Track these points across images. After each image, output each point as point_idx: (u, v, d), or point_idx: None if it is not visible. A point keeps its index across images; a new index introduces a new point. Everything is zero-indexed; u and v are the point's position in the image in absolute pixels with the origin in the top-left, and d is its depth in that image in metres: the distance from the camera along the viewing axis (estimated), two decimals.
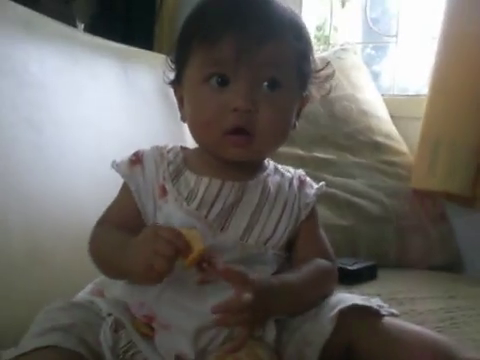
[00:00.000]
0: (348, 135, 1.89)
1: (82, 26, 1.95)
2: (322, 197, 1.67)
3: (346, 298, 0.85)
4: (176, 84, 0.92)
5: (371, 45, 2.40)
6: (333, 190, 1.76)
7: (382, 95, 2.06)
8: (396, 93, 2.19)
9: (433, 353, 0.78)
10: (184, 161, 0.90)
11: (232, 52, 0.80)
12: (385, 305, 0.86)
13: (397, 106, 2.05)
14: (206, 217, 0.84)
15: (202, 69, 0.84)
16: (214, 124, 0.83)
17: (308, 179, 0.97)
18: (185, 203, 0.84)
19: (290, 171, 0.97)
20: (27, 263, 1.06)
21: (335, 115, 1.92)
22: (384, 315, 0.83)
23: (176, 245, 0.72)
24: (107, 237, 0.85)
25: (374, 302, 0.85)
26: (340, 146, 1.87)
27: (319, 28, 2.49)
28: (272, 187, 0.90)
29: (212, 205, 0.85)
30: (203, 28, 0.84)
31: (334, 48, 2.20)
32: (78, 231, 1.04)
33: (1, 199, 1.07)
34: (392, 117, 2.00)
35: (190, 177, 0.87)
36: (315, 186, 0.96)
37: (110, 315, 0.81)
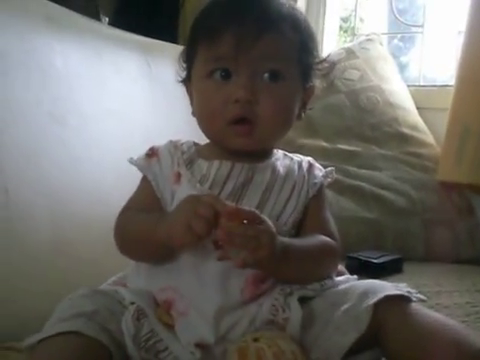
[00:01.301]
0: (374, 126, 1.88)
1: (106, 20, 1.96)
2: (347, 189, 1.71)
3: (376, 287, 0.84)
4: (187, 81, 0.95)
5: (399, 36, 2.38)
6: (358, 182, 1.75)
7: (408, 86, 2.04)
8: (423, 84, 2.16)
9: (456, 343, 0.77)
10: (197, 152, 0.93)
11: (231, 48, 0.85)
12: (413, 290, 0.86)
13: (423, 97, 2.02)
14: (219, 195, 0.86)
15: (206, 65, 0.88)
16: (218, 115, 0.87)
17: (317, 165, 0.99)
18: (198, 184, 0.87)
19: (299, 156, 0.99)
20: (52, 255, 1.08)
21: (360, 106, 1.90)
22: (413, 301, 0.83)
23: (216, 208, 0.75)
24: (135, 217, 0.89)
25: (403, 288, 0.85)
26: (365, 138, 1.86)
27: (345, 19, 2.48)
28: (282, 169, 0.93)
29: (224, 185, 0.88)
30: (205, 27, 0.89)
31: (360, 39, 2.18)
32: (103, 223, 1.06)
33: (27, 192, 1.09)
34: (418, 108, 1.97)
35: (203, 164, 0.90)
36: (324, 170, 0.98)
37: (133, 304, 0.81)
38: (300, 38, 0.90)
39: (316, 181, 0.94)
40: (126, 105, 1.42)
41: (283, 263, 0.80)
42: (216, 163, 0.89)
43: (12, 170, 1.09)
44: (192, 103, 0.95)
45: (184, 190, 0.87)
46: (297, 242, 0.87)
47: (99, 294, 0.83)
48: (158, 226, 0.81)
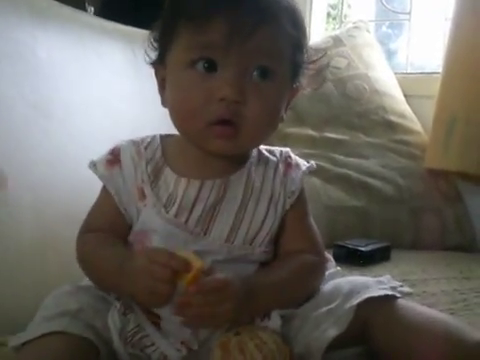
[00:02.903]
0: (361, 115, 1.88)
1: (92, 10, 1.94)
2: (335, 178, 1.71)
3: (360, 286, 0.82)
4: (158, 64, 0.85)
5: (387, 23, 2.37)
6: (345, 171, 1.75)
7: (395, 73, 2.04)
8: (410, 71, 2.16)
9: (445, 336, 0.76)
10: (164, 156, 0.85)
11: (222, 36, 0.74)
12: (398, 284, 0.85)
13: (411, 85, 2.02)
14: (186, 223, 0.80)
15: (188, 52, 0.77)
16: (198, 113, 0.77)
17: (295, 160, 0.90)
18: (163, 210, 0.80)
19: (275, 154, 0.90)
20: (37, 249, 1.07)
21: (347, 94, 1.90)
22: (398, 297, 0.82)
23: (172, 266, 0.69)
24: (98, 252, 0.82)
25: (387, 284, 0.84)
26: (353, 126, 1.86)
27: (333, 6, 2.46)
28: (257, 179, 0.85)
29: (192, 209, 0.81)
30: (193, 7, 0.77)
31: (347, 26, 2.17)
32: None
33: (12, 186, 1.08)
34: (406, 96, 1.97)
35: (170, 178, 0.83)
36: (303, 167, 0.90)
37: (118, 299, 0.80)
38: (297, 34, 0.82)
39: (293, 189, 0.87)
40: (112, 95, 1.40)
41: (253, 308, 0.76)
42: (183, 183, 0.81)
43: None
44: (162, 91, 0.85)
45: (149, 214, 0.81)
46: (268, 279, 0.80)
47: (83, 291, 0.81)
48: (121, 282, 0.75)
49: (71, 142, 1.23)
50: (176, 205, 0.81)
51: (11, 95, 1.14)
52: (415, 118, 1.93)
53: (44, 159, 1.16)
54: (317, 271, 0.87)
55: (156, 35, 0.84)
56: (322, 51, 0.89)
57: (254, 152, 0.88)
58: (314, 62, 0.88)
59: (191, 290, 0.69)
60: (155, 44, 0.85)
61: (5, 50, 1.17)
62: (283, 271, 0.82)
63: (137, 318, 0.79)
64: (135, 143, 0.86)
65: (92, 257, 0.82)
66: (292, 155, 0.91)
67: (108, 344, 0.76)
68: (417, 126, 1.91)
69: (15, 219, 1.07)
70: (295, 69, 0.84)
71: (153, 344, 0.77)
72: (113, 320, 0.77)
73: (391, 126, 1.87)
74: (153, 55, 0.85)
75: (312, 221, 0.90)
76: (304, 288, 0.85)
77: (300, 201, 0.88)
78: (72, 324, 0.73)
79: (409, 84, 2.02)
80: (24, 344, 0.73)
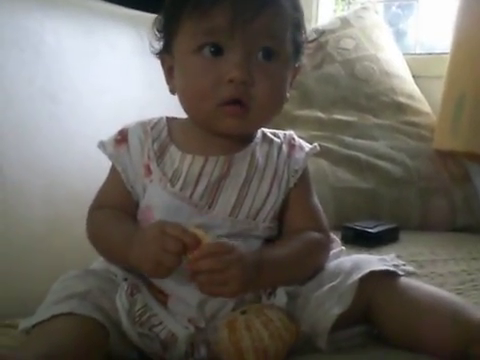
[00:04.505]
0: (369, 96, 1.87)
1: None
2: (343, 160, 1.71)
3: (362, 262, 0.83)
4: (164, 54, 0.87)
5: (397, 4, 2.35)
6: (354, 152, 1.75)
7: (404, 54, 2.02)
8: (419, 52, 2.15)
9: (449, 314, 0.77)
10: (169, 135, 0.87)
11: (227, 20, 0.77)
12: (401, 262, 0.85)
13: (419, 65, 2.01)
14: (191, 197, 0.82)
15: (194, 38, 0.80)
16: (208, 96, 0.79)
17: (299, 142, 0.92)
18: (169, 184, 0.83)
19: (279, 136, 0.92)
20: (47, 233, 1.09)
21: (356, 76, 1.89)
22: (401, 275, 0.83)
23: (184, 241, 0.72)
24: (107, 227, 0.85)
25: (390, 261, 0.85)
26: (361, 107, 1.85)
27: None
28: (261, 158, 0.87)
29: (196, 184, 0.83)
30: None
31: (355, 7, 2.16)
32: None
33: (21, 170, 1.10)
34: (414, 77, 1.96)
35: (175, 154, 0.85)
36: (306, 149, 0.91)
37: (126, 280, 0.81)
38: (297, 15, 0.85)
39: (297, 168, 0.88)
40: (120, 80, 1.41)
41: (260, 280, 0.77)
42: (188, 158, 0.84)
43: (6, 148, 1.09)
44: (169, 79, 0.88)
45: (155, 189, 0.84)
46: (274, 253, 0.82)
47: (91, 274, 0.83)
48: (128, 251, 0.77)
49: (80, 127, 1.25)
50: (181, 180, 0.83)
51: (20, 82, 1.16)
52: (424, 99, 1.92)
53: (53, 144, 1.18)
54: (322, 248, 0.88)
55: (160, 25, 0.87)
56: (320, 31, 0.91)
57: (258, 133, 0.90)
58: (313, 41, 0.91)
59: (195, 255, 0.71)
60: (159, 34, 0.87)
61: (14, 37, 1.18)
62: (289, 246, 0.84)
63: (144, 298, 0.80)
64: (142, 124, 0.89)
65: (101, 231, 0.85)
66: (296, 137, 0.93)
67: (117, 325, 0.77)
68: (426, 107, 1.90)
69: (26, 203, 1.08)
70: (296, 49, 0.86)
71: (161, 323, 0.79)
72: (121, 301, 0.78)
73: (400, 107, 1.87)
74: (158, 45, 0.88)
75: (317, 201, 0.92)
76: (310, 264, 0.86)
77: (304, 180, 0.90)
78: (80, 305, 0.74)
79: (418, 65, 2.01)
80: (34, 327, 0.74)
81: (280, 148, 0.90)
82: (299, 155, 0.90)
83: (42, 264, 1.05)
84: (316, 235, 0.87)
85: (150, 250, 0.73)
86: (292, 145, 0.91)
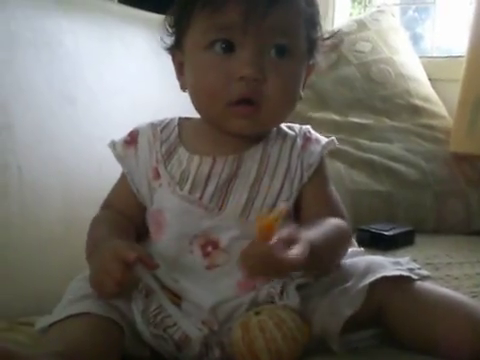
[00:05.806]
0: (385, 99, 1.87)
1: None
2: (359, 162, 1.71)
3: (376, 265, 0.81)
4: (175, 50, 0.86)
5: (414, 7, 2.34)
6: (370, 155, 1.75)
7: (420, 57, 2.02)
8: (435, 55, 2.14)
9: (464, 317, 0.76)
10: (179, 137, 0.86)
11: (239, 16, 0.75)
12: (416, 266, 0.84)
13: (436, 68, 2.01)
14: (201, 199, 0.81)
15: (205, 35, 0.78)
16: (219, 94, 0.78)
17: (315, 135, 0.89)
18: (178, 188, 0.81)
19: (295, 129, 0.89)
20: (64, 233, 1.10)
21: (372, 78, 1.89)
22: (415, 280, 0.81)
23: (124, 276, 0.72)
24: (95, 229, 0.86)
25: (404, 265, 0.83)
26: (377, 110, 1.85)
27: None
28: (272, 154, 0.84)
29: (205, 186, 0.81)
30: None
31: (371, 10, 2.16)
32: None
33: (39, 171, 1.11)
34: (431, 80, 1.96)
35: (183, 155, 0.84)
36: (323, 142, 0.88)
37: (141, 281, 0.81)
38: (311, 11, 0.82)
39: (311, 161, 0.85)
40: (136, 82, 1.42)
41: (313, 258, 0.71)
42: (196, 160, 0.82)
43: (24, 149, 1.10)
44: (180, 75, 0.86)
45: (164, 193, 0.83)
46: (318, 237, 0.75)
47: None
48: (90, 259, 0.80)
49: (96, 129, 1.25)
50: (189, 182, 0.81)
51: (38, 83, 1.17)
52: (440, 102, 1.91)
53: (71, 145, 1.19)
54: (348, 234, 0.86)
55: (171, 21, 0.85)
56: (335, 31, 0.87)
57: (273, 129, 0.88)
58: (328, 39, 0.89)
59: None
60: (171, 30, 0.86)
61: (32, 39, 1.19)
62: (325, 229, 0.79)
63: (159, 299, 0.80)
64: (153, 125, 0.88)
65: (91, 230, 0.86)
66: (312, 131, 0.90)
67: (131, 325, 0.77)
68: (442, 110, 1.89)
69: (44, 204, 1.09)
70: (310, 46, 0.85)
71: (175, 324, 0.79)
72: (136, 302, 0.79)
73: (416, 110, 1.86)
74: (169, 41, 0.87)
75: (334, 190, 0.89)
76: (341, 250, 0.84)
77: (320, 173, 0.87)
78: (96, 305, 0.75)
79: (434, 68, 2.00)
80: (50, 326, 0.75)
81: (294, 142, 0.87)
82: (314, 148, 0.87)
83: (59, 264, 1.06)
84: (341, 222, 0.84)
85: (98, 268, 0.74)
86: (307, 138, 0.88)
